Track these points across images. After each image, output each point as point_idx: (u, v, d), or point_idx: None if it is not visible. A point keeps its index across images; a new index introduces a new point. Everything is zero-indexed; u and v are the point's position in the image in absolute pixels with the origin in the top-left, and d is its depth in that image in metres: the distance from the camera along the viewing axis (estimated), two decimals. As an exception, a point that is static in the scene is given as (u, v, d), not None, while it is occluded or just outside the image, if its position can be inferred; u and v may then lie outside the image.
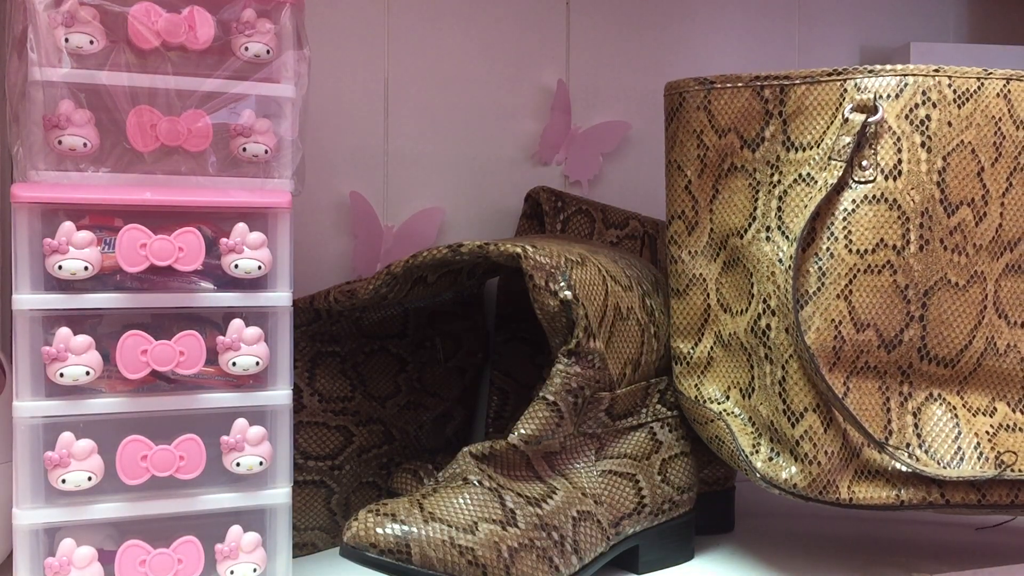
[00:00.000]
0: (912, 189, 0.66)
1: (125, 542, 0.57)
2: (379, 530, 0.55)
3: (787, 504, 0.88)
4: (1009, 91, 0.67)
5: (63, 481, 0.55)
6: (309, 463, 0.72)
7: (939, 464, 0.66)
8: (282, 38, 0.60)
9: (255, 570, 0.59)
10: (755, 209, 0.68)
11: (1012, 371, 0.69)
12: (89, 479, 0.56)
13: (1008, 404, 0.69)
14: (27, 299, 0.55)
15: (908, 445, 0.67)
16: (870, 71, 0.67)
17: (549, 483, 0.62)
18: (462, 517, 0.57)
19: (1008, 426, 0.68)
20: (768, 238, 0.67)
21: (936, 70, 0.67)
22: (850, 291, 0.65)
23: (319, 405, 0.72)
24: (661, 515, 0.68)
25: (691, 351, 0.71)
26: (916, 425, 0.67)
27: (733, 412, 0.69)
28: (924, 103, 0.66)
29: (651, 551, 0.68)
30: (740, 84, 0.69)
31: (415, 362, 0.77)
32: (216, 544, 0.59)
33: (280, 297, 0.60)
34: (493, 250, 0.62)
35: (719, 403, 0.69)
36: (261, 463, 0.59)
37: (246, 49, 0.60)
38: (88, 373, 0.55)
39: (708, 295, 0.71)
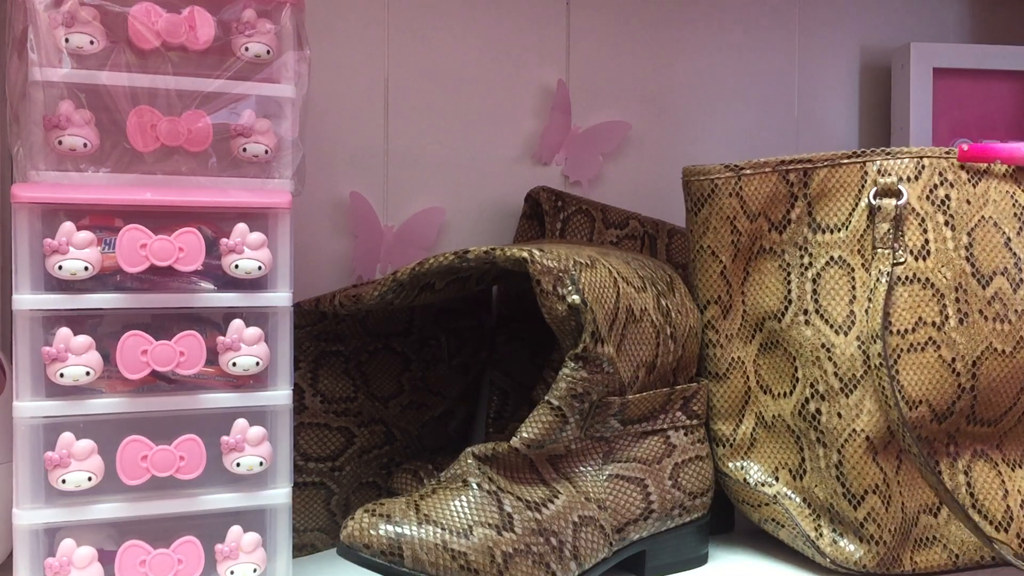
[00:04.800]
0: (943, 266, 0.68)
1: (125, 542, 0.57)
2: (373, 531, 0.55)
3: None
4: (1015, 171, 0.70)
5: (63, 481, 0.55)
6: (309, 465, 0.72)
7: (991, 524, 0.69)
8: (282, 38, 0.60)
9: (255, 570, 0.59)
10: (789, 292, 0.70)
11: None
12: (89, 479, 0.56)
13: None
14: (27, 299, 0.55)
15: (963, 506, 0.69)
16: (887, 153, 0.70)
17: (552, 487, 0.62)
18: (457, 521, 0.57)
19: None
20: (807, 322, 0.69)
21: (947, 152, 0.70)
22: (896, 371, 0.67)
23: (321, 406, 0.72)
24: (670, 520, 0.67)
25: (732, 433, 0.72)
26: (969, 484, 0.69)
27: (787, 495, 0.70)
28: (942, 183, 0.69)
29: (659, 556, 0.67)
30: (767, 169, 0.70)
31: (419, 360, 0.77)
32: (216, 544, 0.58)
33: (280, 297, 0.60)
34: (500, 255, 0.62)
35: (770, 485, 0.70)
36: (261, 463, 0.59)
37: (246, 49, 0.59)
38: (88, 373, 0.55)
39: (748, 377, 0.72)
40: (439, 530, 0.56)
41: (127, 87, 0.57)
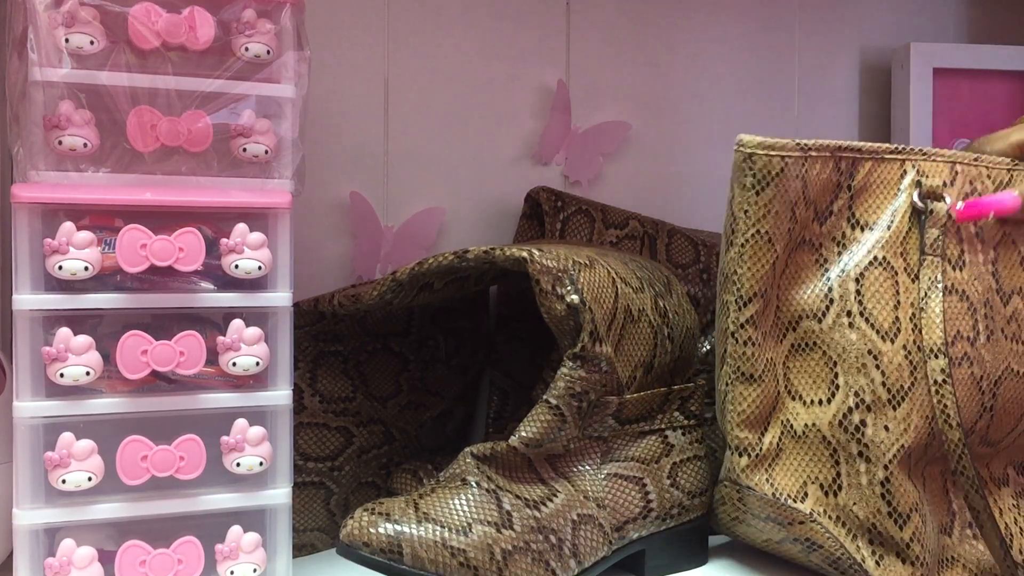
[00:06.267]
0: (975, 279, 0.66)
1: (125, 542, 0.57)
2: (372, 529, 0.55)
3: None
4: None
5: (63, 481, 0.55)
6: (309, 464, 0.72)
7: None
8: (282, 38, 0.60)
9: (255, 570, 0.59)
10: (830, 290, 0.64)
11: None
12: (89, 479, 0.56)
13: (1014, 468, 0.71)
14: (27, 299, 0.55)
15: (970, 525, 0.67)
16: (923, 154, 0.66)
17: (551, 486, 0.62)
18: (456, 518, 0.57)
19: (1020, 492, 0.70)
20: (852, 324, 0.63)
21: (976, 159, 0.68)
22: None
23: (320, 406, 0.72)
24: (669, 520, 0.67)
25: (757, 442, 0.64)
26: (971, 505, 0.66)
27: (819, 512, 0.63)
28: (972, 193, 0.67)
29: (658, 556, 0.67)
30: (827, 153, 0.64)
31: (417, 361, 0.77)
32: (216, 544, 0.59)
33: (280, 297, 0.60)
34: (499, 255, 0.62)
35: (801, 501, 0.64)
36: (261, 463, 0.59)
37: (246, 49, 0.60)
38: (88, 373, 0.55)
39: (778, 381, 0.65)
40: (438, 528, 0.56)
41: (127, 87, 0.57)
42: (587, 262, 0.63)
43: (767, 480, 0.64)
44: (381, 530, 0.55)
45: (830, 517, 0.63)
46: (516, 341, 0.81)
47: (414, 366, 0.77)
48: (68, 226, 0.55)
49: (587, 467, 0.64)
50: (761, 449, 0.64)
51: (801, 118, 0.99)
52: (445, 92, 0.88)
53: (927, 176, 0.66)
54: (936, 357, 0.62)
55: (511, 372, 0.81)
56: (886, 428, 0.62)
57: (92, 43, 0.56)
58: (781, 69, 0.99)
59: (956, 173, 0.67)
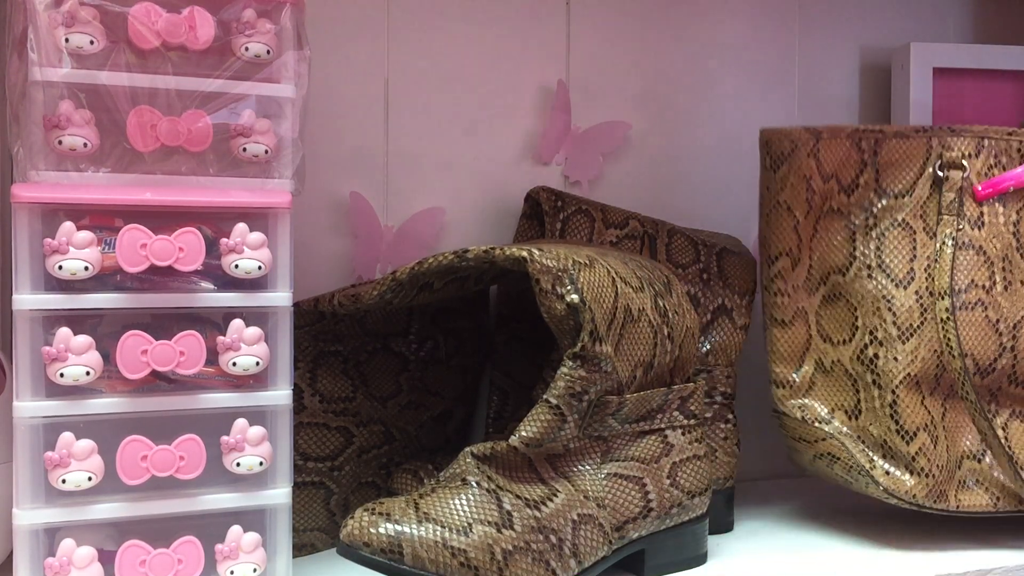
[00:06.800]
0: (994, 238, 0.75)
1: (125, 542, 0.57)
2: (373, 529, 0.55)
3: (786, 503, 0.88)
4: None
5: (63, 481, 0.55)
6: (308, 464, 0.72)
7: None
8: (282, 38, 0.60)
9: (255, 570, 0.59)
10: (854, 249, 0.76)
11: None
12: (89, 479, 0.56)
13: None
14: (27, 299, 0.55)
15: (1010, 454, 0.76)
16: (952, 130, 0.75)
17: (551, 485, 0.62)
18: (456, 518, 0.57)
19: None
20: (870, 276, 0.75)
21: (1009, 132, 0.76)
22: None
23: (320, 406, 0.72)
24: (669, 519, 0.67)
25: (793, 376, 0.78)
26: (1007, 439, 0.76)
27: (843, 431, 0.76)
28: (996, 164, 0.76)
29: (658, 555, 0.67)
30: (843, 135, 0.76)
31: (417, 361, 0.77)
32: (216, 544, 0.59)
33: (280, 297, 0.60)
34: (499, 255, 0.62)
35: (827, 423, 0.77)
36: (261, 463, 0.59)
37: (246, 49, 0.60)
38: (88, 373, 0.55)
39: (810, 326, 0.78)
40: (439, 528, 0.56)
41: (127, 87, 0.57)
42: (587, 262, 0.63)
43: (798, 407, 0.78)
44: (381, 530, 0.55)
45: (851, 437, 0.76)
46: (516, 341, 0.81)
47: (414, 366, 0.77)
48: (68, 226, 0.55)
49: (587, 467, 0.64)
50: (796, 381, 0.78)
51: (801, 118, 0.99)
52: (445, 92, 0.88)
53: (949, 149, 0.75)
54: (942, 299, 0.73)
55: (511, 372, 0.81)
56: (895, 359, 0.74)
57: (92, 43, 0.56)
58: (781, 69, 0.99)
59: (982, 146, 0.75)
